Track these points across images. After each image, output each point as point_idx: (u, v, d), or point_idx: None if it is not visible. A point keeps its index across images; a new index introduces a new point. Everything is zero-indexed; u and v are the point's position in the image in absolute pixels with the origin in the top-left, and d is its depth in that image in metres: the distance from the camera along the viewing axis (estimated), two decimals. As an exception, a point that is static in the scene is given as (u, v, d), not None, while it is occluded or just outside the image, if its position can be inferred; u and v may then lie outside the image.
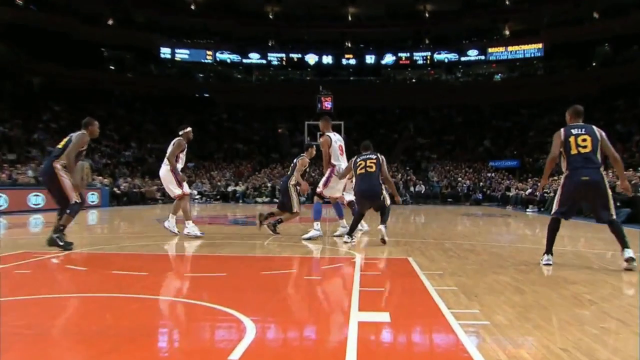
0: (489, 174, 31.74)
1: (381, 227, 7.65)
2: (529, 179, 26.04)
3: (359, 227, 8.91)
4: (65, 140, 7.00)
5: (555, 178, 22.11)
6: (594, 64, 41.00)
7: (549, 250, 5.82)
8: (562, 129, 5.79)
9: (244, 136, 40.93)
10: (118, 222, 13.90)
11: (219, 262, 6.55)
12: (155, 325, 3.50)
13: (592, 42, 39.25)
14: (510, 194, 24.70)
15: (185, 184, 8.90)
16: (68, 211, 6.81)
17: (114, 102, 39.12)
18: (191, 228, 8.68)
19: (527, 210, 20.55)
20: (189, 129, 9.09)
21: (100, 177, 24.51)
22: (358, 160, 8.03)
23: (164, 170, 8.84)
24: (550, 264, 5.69)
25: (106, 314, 3.69)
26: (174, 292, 4.64)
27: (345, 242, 7.75)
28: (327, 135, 8.77)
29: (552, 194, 18.81)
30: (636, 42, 37.42)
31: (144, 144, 36.05)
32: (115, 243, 7.78)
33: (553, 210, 5.88)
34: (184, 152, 8.89)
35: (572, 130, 5.70)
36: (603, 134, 5.70)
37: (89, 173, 7.57)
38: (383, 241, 7.54)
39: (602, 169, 5.61)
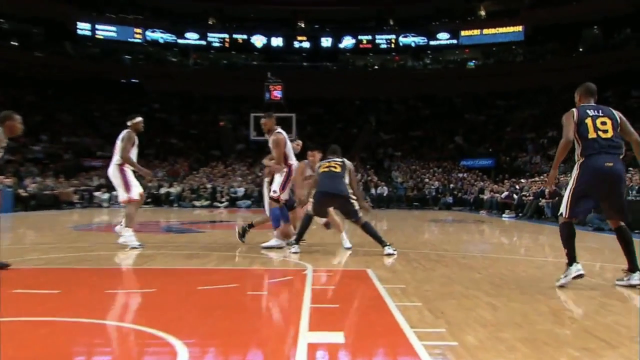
0: (460, 175, 32.32)
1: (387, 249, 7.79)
2: (506, 181, 26.48)
3: (344, 243, 8.57)
4: None
5: (537, 179, 22.74)
6: (580, 49, 41.85)
7: (573, 260, 5.37)
8: (574, 109, 5.56)
9: (179, 130, 40.43)
10: (23, 231, 13.49)
11: (147, 275, 6.46)
12: (68, 354, 3.41)
13: (579, 24, 39.98)
14: (485, 198, 25.12)
15: (134, 189, 8.75)
16: None
17: (19, 87, 37.79)
18: (129, 237, 8.54)
19: (504, 215, 20.94)
20: (139, 119, 8.93)
21: (2, 177, 23.68)
22: (322, 162, 8.32)
23: (112, 169, 8.72)
24: (582, 274, 5.32)
25: (7, 343, 3.56)
26: (91, 313, 4.52)
27: (294, 253, 7.80)
28: (281, 132, 8.81)
29: (531, 198, 19.31)
30: (629, 25, 38.11)
31: (58, 137, 35.06)
32: (19, 256, 7.51)
33: (563, 211, 5.45)
34: (135, 146, 8.76)
35: (588, 112, 5.47)
36: (622, 116, 5.55)
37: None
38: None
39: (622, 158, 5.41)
